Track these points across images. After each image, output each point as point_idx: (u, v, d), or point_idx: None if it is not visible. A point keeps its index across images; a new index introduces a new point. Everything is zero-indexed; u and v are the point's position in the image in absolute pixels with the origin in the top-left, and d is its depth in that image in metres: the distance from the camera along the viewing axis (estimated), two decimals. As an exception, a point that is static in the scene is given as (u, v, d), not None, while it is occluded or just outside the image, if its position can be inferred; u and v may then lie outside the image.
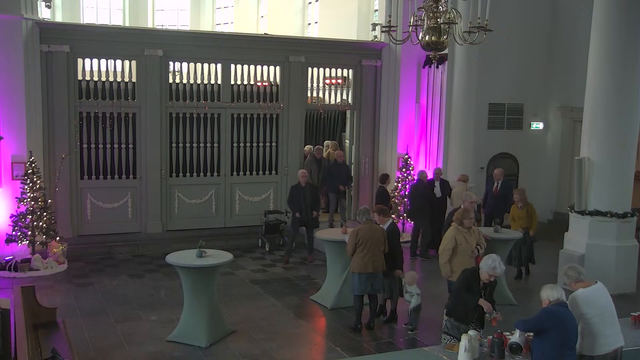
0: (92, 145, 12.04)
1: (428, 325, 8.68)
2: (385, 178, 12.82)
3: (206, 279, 7.94)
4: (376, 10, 17.33)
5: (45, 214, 10.91)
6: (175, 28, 23.57)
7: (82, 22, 21.02)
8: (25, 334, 5.60)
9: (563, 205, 14.39)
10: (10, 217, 10.81)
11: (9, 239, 10.77)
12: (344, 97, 14.09)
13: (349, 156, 14.56)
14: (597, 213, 10.28)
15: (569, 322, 5.30)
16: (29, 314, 6.34)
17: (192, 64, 12.68)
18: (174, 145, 12.62)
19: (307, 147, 14.45)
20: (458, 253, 7.94)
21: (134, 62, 12.25)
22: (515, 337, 5.66)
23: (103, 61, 12.08)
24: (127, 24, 23.53)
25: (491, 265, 6.20)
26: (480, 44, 7.46)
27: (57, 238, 11.17)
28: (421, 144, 14.09)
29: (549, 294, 5.42)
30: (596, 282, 5.78)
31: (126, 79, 12.23)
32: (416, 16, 7.22)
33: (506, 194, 12.00)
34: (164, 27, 23.26)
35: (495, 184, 12.39)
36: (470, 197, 9.24)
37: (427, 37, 7.18)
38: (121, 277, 10.70)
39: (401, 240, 9.27)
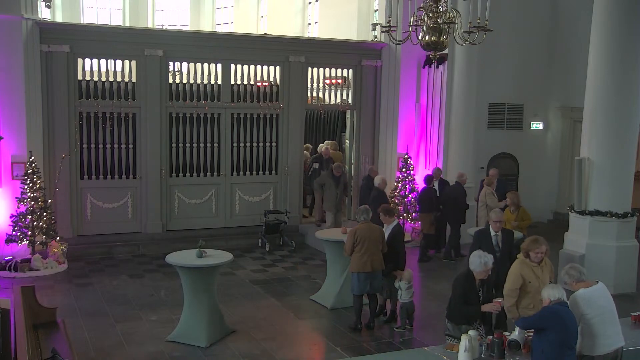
0: (92, 145, 12.03)
1: (428, 325, 8.69)
2: (431, 179, 12.36)
3: (206, 279, 7.94)
4: (376, 10, 17.32)
5: (45, 214, 10.91)
6: (175, 28, 23.57)
7: (82, 22, 21.02)
8: (25, 334, 5.60)
9: (563, 205, 14.39)
10: (10, 217, 10.80)
11: (9, 239, 10.77)
12: (344, 97, 14.08)
13: (349, 156, 14.56)
14: (597, 213, 10.28)
15: (569, 322, 5.31)
16: (29, 314, 6.34)
17: (192, 64, 12.67)
18: (174, 145, 12.61)
19: (325, 149, 14.07)
20: (528, 293, 6.46)
21: (134, 62, 12.24)
22: (515, 334, 5.66)
23: (103, 61, 12.07)
24: (127, 24, 23.54)
25: (481, 262, 6.18)
26: (480, 44, 7.46)
27: (57, 238, 11.17)
28: (421, 144, 14.09)
29: (550, 293, 5.43)
30: (597, 282, 5.78)
31: (126, 79, 12.22)
32: (416, 16, 7.21)
33: (501, 194, 11.83)
34: (164, 27, 23.27)
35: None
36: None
37: (427, 37, 7.18)
38: (121, 277, 10.69)
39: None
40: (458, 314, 6.30)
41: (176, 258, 8.05)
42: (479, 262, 6.19)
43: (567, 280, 5.83)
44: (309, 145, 14.99)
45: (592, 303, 5.59)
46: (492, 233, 8.10)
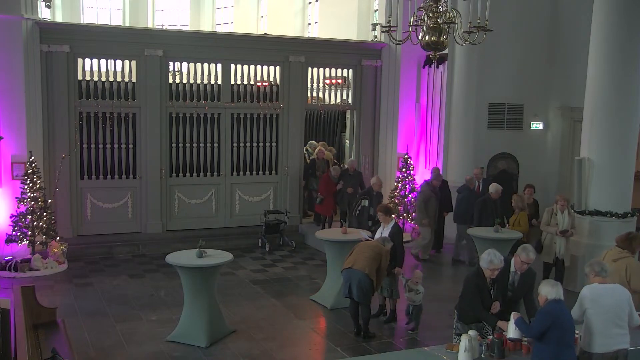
0: (92, 145, 12.03)
1: (428, 325, 8.68)
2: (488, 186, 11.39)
3: (206, 279, 7.94)
4: (376, 10, 17.33)
5: (45, 214, 10.91)
6: (175, 28, 23.57)
7: (82, 22, 21.01)
8: (25, 334, 5.59)
9: (563, 205, 14.37)
10: (10, 217, 10.81)
11: (9, 239, 10.77)
12: (344, 97, 14.09)
13: (349, 156, 14.53)
14: (597, 213, 10.28)
15: (565, 319, 5.31)
16: (29, 314, 6.34)
17: (192, 64, 12.66)
18: (174, 145, 12.61)
19: (376, 182, 11.86)
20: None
21: (134, 62, 12.24)
22: (511, 330, 5.60)
23: (103, 61, 12.08)
24: (127, 24, 23.53)
25: (487, 259, 6.19)
26: (480, 44, 7.46)
27: (57, 238, 11.17)
28: (421, 144, 14.10)
29: (549, 291, 5.39)
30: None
31: (126, 79, 12.22)
32: (416, 16, 7.22)
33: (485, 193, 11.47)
34: (164, 27, 23.26)
35: (477, 183, 12.28)
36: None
37: (427, 37, 7.18)
38: (121, 277, 10.69)
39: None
40: (473, 314, 6.26)
41: (176, 258, 8.05)
42: (486, 259, 6.21)
43: (587, 270, 5.87)
44: (379, 179, 12.20)
45: (597, 299, 5.60)
46: (512, 269, 6.48)
